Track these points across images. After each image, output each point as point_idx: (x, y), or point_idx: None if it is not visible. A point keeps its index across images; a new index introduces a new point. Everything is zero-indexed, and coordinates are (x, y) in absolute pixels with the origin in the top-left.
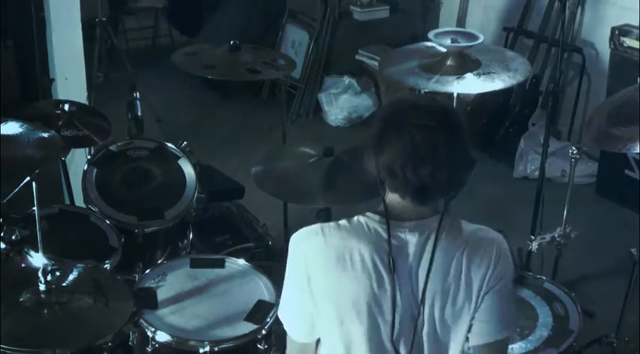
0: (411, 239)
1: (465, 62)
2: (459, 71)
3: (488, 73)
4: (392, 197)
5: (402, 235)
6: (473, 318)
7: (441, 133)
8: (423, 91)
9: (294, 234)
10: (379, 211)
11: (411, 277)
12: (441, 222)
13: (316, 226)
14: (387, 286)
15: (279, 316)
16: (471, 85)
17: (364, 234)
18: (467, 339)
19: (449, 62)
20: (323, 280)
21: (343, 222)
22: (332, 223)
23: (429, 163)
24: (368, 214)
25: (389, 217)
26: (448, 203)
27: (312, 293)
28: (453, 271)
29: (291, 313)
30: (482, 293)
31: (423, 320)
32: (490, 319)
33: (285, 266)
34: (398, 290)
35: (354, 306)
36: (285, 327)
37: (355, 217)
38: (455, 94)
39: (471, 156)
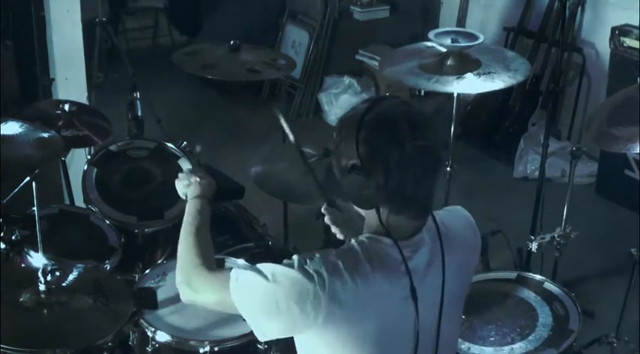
0: (419, 256)
1: (465, 62)
2: (459, 71)
3: (488, 73)
4: (389, 217)
5: (410, 255)
6: None
7: (438, 148)
8: (422, 92)
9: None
10: (379, 231)
11: (428, 294)
12: (440, 236)
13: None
14: (410, 311)
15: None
16: (471, 85)
17: (377, 260)
18: None
19: (449, 62)
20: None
21: (355, 245)
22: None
23: (433, 179)
24: (369, 235)
25: (391, 235)
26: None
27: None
28: (457, 272)
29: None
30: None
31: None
32: None
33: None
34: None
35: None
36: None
37: (359, 241)
38: (455, 94)
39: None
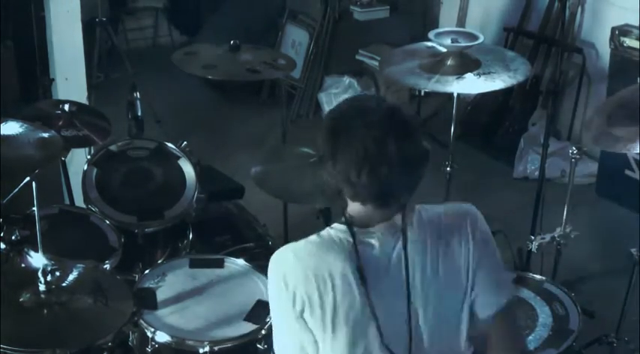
0: (384, 243)
1: (465, 62)
2: (459, 71)
3: (489, 73)
4: (353, 206)
5: (373, 241)
6: (472, 294)
7: (390, 132)
8: (422, 92)
9: (271, 264)
10: (343, 221)
11: (395, 281)
12: (404, 218)
13: (286, 250)
14: (364, 298)
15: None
16: (471, 85)
17: (334, 248)
18: (474, 315)
19: (449, 62)
20: (313, 304)
21: (313, 238)
22: (301, 242)
23: (384, 164)
24: (335, 225)
25: (354, 225)
26: (409, 198)
27: (306, 322)
28: (434, 261)
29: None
30: (471, 269)
31: (418, 322)
32: (490, 287)
33: None
34: (379, 299)
35: (344, 324)
36: None
37: (324, 231)
38: (455, 94)
39: (424, 147)
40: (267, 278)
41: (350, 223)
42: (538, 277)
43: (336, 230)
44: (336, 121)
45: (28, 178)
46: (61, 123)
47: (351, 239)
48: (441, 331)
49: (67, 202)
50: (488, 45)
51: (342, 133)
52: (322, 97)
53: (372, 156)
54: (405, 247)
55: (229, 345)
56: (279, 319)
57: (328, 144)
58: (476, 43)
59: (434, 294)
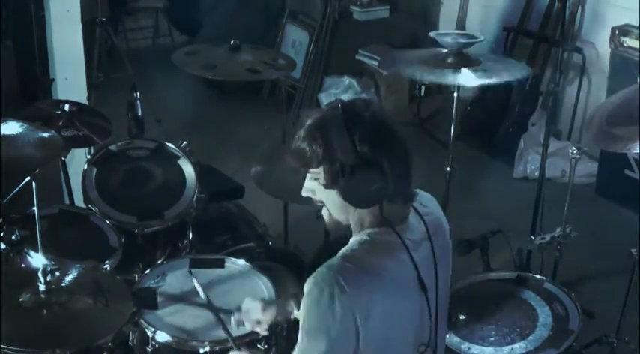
0: (421, 242)
1: (465, 63)
2: (459, 67)
3: (488, 69)
4: (385, 207)
5: (414, 237)
6: None
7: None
8: (423, 92)
9: (313, 285)
10: (378, 222)
11: (430, 271)
12: (422, 217)
13: (339, 260)
14: (418, 298)
15: None
16: (471, 78)
17: (386, 251)
18: None
19: (449, 61)
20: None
21: (361, 245)
22: (349, 250)
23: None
24: (371, 231)
25: (393, 226)
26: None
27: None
28: (438, 248)
29: None
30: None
31: (437, 312)
32: None
33: (284, 270)
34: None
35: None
36: None
37: (364, 237)
38: (455, 94)
39: None
40: (267, 278)
41: (391, 224)
42: (538, 277)
43: (377, 234)
44: (365, 131)
45: (28, 178)
46: (61, 123)
47: (397, 239)
48: (444, 320)
49: (67, 202)
50: (487, 54)
51: (376, 140)
52: (322, 97)
53: (409, 150)
54: (430, 239)
55: (230, 345)
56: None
57: (366, 154)
58: (476, 41)
59: (444, 281)
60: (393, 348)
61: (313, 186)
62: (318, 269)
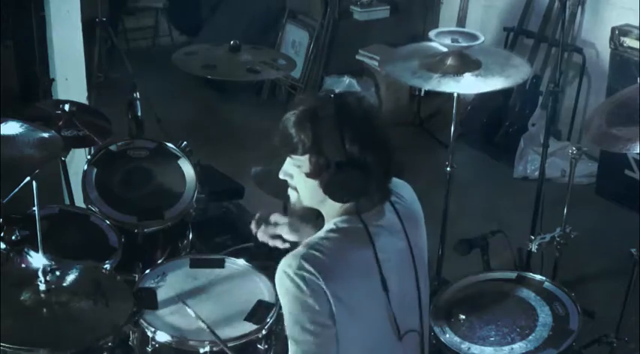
0: (391, 224)
1: (465, 62)
2: (459, 71)
3: (488, 73)
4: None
5: (378, 228)
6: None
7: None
8: (422, 92)
9: (282, 273)
10: (349, 212)
11: (402, 255)
12: (393, 205)
13: (304, 250)
14: (378, 280)
15: None
16: (470, 84)
17: (351, 237)
18: None
19: (449, 62)
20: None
21: (327, 234)
22: (315, 239)
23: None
24: (339, 219)
25: (360, 215)
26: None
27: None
28: (413, 235)
29: None
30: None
31: (420, 295)
32: None
33: None
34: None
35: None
36: None
37: (332, 225)
38: (455, 94)
39: None
40: (267, 278)
41: (359, 213)
42: (538, 277)
43: (343, 222)
44: (352, 127)
45: (28, 178)
46: (61, 123)
47: (359, 226)
48: (427, 302)
49: (67, 202)
50: (488, 47)
51: (362, 137)
52: None
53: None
54: (402, 224)
55: (229, 345)
56: (306, 323)
57: (353, 151)
58: (476, 43)
59: (422, 266)
60: (371, 331)
61: (293, 171)
62: (284, 259)
